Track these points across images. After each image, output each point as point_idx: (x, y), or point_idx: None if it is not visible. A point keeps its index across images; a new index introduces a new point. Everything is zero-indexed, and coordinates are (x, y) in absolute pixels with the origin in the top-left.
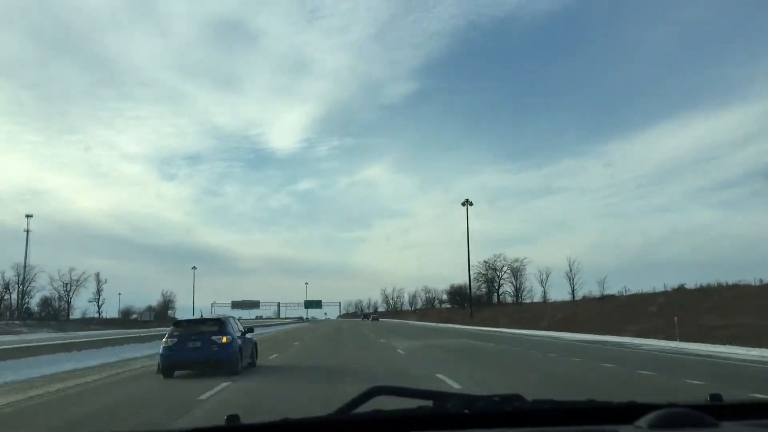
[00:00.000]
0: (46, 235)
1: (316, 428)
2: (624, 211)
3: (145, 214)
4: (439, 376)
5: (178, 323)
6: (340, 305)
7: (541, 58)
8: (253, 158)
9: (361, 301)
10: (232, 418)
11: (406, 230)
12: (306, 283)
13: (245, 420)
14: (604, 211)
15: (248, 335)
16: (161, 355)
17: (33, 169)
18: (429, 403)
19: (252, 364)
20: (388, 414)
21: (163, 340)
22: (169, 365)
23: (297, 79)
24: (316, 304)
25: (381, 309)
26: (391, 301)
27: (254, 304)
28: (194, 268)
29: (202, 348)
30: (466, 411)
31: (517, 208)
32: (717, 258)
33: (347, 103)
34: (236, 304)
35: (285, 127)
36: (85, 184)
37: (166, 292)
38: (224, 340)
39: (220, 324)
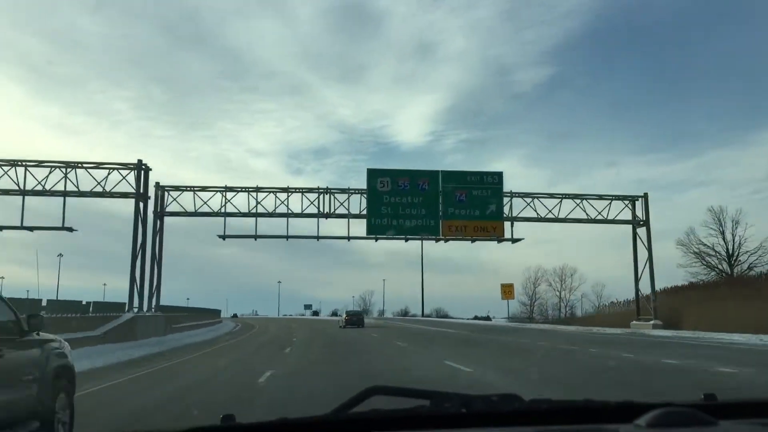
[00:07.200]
0: (179, 228)
1: (314, 428)
2: None
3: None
4: None
5: None
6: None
7: (694, 35)
8: (377, 151)
9: None
10: (228, 417)
11: (542, 227)
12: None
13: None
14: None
15: None
16: None
17: (166, 164)
18: (426, 402)
19: None
20: (385, 413)
21: None
22: None
23: (422, 66)
24: None
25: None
26: None
27: None
28: None
29: None
30: (464, 410)
31: (664, 201)
32: None
33: (475, 92)
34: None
35: (410, 119)
36: (216, 178)
37: None
38: None
39: None
